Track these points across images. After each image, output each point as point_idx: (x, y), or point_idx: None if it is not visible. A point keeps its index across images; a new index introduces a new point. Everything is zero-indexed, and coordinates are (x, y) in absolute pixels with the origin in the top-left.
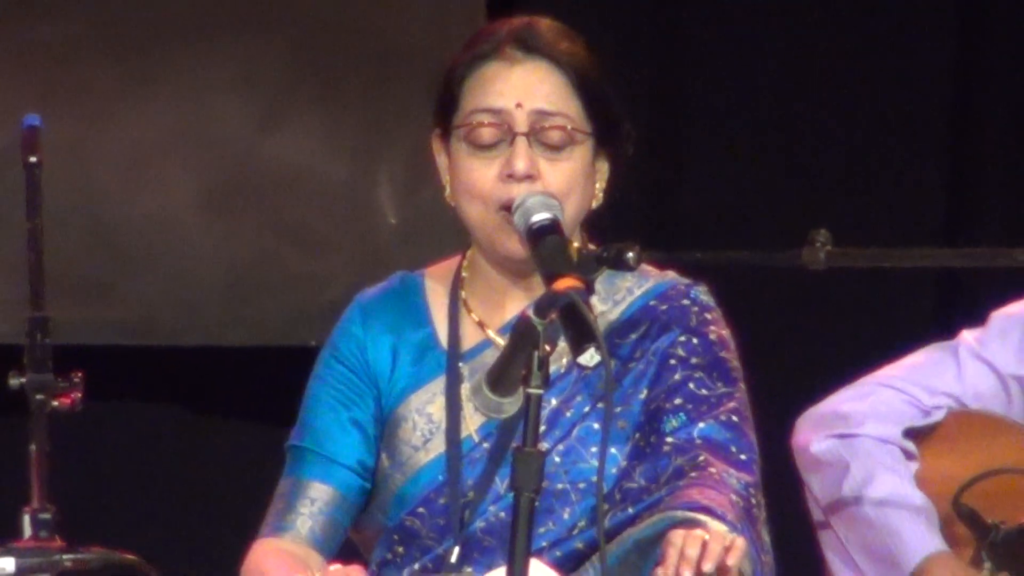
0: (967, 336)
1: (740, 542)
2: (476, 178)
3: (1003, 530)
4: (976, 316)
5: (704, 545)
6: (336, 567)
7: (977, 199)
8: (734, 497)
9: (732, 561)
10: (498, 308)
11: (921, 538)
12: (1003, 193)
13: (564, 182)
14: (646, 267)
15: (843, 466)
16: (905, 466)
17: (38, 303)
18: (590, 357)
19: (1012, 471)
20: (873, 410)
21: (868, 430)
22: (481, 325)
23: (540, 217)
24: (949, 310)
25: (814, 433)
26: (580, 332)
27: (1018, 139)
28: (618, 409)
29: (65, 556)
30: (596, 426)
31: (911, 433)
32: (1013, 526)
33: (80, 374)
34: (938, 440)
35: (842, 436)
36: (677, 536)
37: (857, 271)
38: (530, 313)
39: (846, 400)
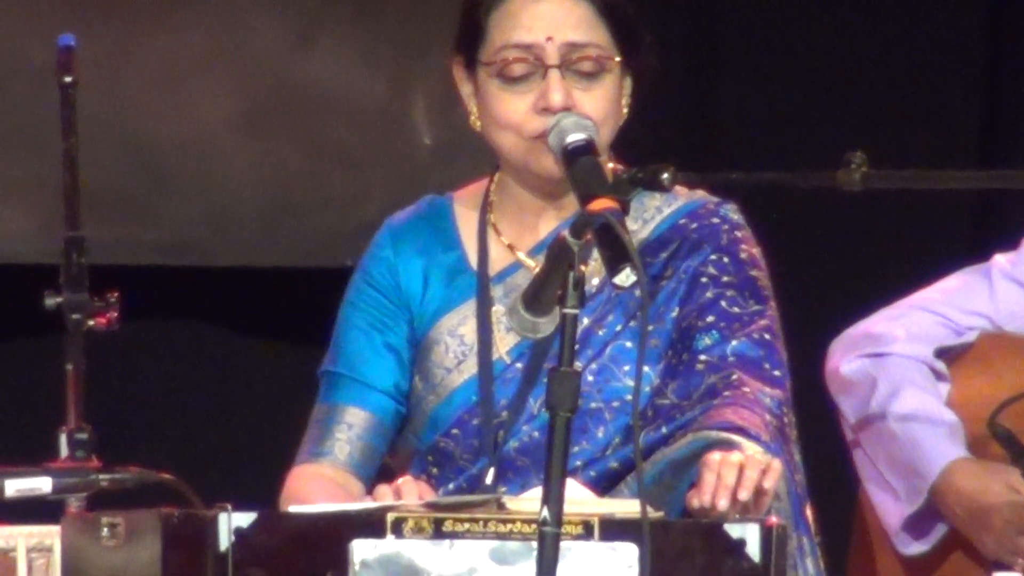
0: (1000, 259)
1: (776, 464)
2: (509, 110)
3: None
4: (1011, 238)
5: (741, 470)
6: (406, 478)
7: (1013, 120)
8: (768, 416)
9: (769, 484)
10: (529, 229)
11: (943, 447)
12: None
13: (600, 109)
14: (677, 187)
15: (871, 383)
16: (933, 384)
17: (74, 223)
18: (625, 277)
19: None
20: (905, 331)
21: (898, 349)
22: (511, 247)
23: (575, 138)
24: (984, 232)
25: (845, 355)
26: (616, 252)
27: None
28: (650, 327)
29: (101, 476)
30: (629, 344)
31: (943, 354)
32: None
33: (116, 294)
34: (971, 361)
35: (872, 356)
36: (713, 461)
37: (892, 193)
38: (566, 234)
39: (878, 322)
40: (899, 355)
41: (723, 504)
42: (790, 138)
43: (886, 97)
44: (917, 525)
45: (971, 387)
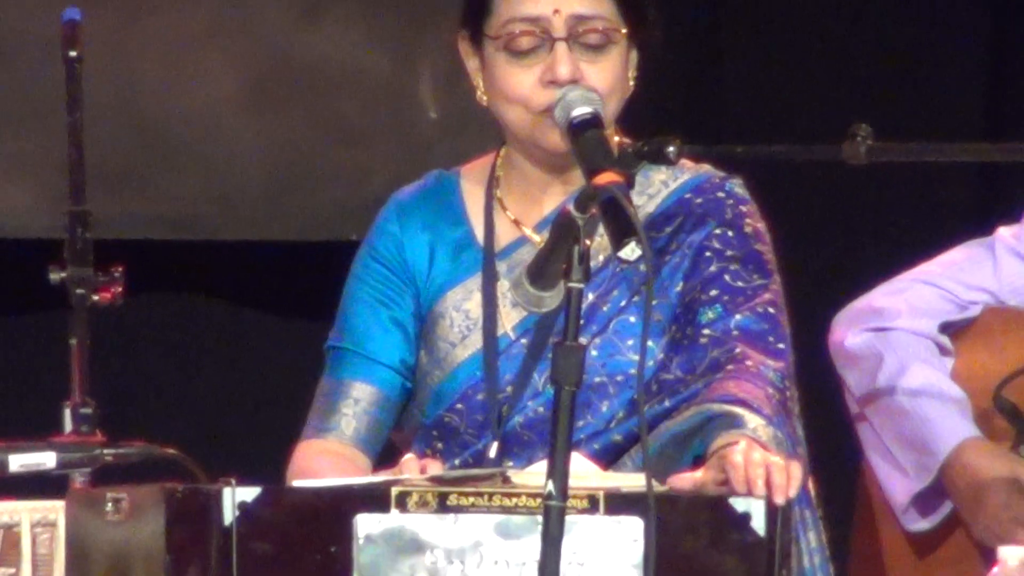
0: (1003, 232)
1: (796, 472)
2: (516, 83)
3: None
4: (1016, 211)
5: (768, 473)
6: (409, 456)
7: (1018, 93)
8: (770, 389)
9: (793, 492)
10: (535, 204)
11: (954, 425)
12: None
13: (607, 81)
14: (682, 161)
15: (878, 358)
16: (939, 359)
17: (78, 197)
18: (631, 251)
19: None
20: (909, 305)
21: (903, 323)
22: (517, 223)
23: (581, 111)
24: (990, 205)
25: (849, 328)
26: (621, 226)
27: None
28: (654, 302)
29: (106, 451)
30: (632, 319)
31: (947, 329)
32: None
33: (121, 268)
34: (975, 335)
35: (877, 330)
36: (736, 460)
37: (898, 166)
38: (571, 207)
39: (882, 295)
40: (904, 330)
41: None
42: (795, 111)
43: (891, 70)
44: (925, 502)
45: (975, 361)
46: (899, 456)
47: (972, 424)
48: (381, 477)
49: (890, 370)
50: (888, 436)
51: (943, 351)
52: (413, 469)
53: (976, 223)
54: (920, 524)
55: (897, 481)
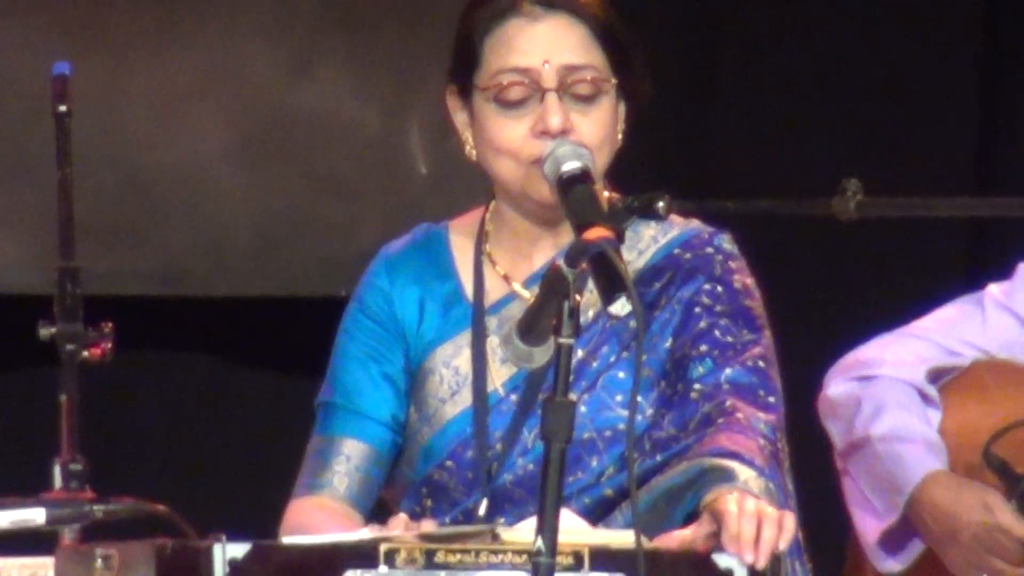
0: (993, 288)
1: (789, 523)
2: (506, 136)
3: None
4: (1006, 265)
5: (759, 525)
6: (401, 516)
7: (1007, 148)
8: (761, 441)
9: (784, 545)
10: (524, 259)
11: (920, 461)
12: None
13: (597, 133)
14: (671, 216)
15: (856, 404)
16: (919, 404)
17: (68, 253)
18: (621, 306)
19: None
20: (895, 356)
21: (886, 371)
22: (506, 278)
23: (571, 166)
24: (979, 260)
25: (834, 380)
26: (611, 281)
27: None
28: (643, 357)
29: (95, 507)
30: (621, 375)
31: (937, 377)
32: None
33: (110, 324)
34: (964, 389)
35: (860, 378)
36: (731, 514)
37: (888, 221)
38: (560, 263)
39: (869, 348)
40: (887, 377)
41: (749, 559)
42: (785, 166)
43: (882, 124)
44: (893, 540)
45: (965, 415)
46: (870, 497)
47: (940, 461)
48: (369, 535)
49: (866, 414)
50: (862, 480)
51: (928, 401)
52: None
53: (967, 279)
54: (889, 564)
55: (868, 522)
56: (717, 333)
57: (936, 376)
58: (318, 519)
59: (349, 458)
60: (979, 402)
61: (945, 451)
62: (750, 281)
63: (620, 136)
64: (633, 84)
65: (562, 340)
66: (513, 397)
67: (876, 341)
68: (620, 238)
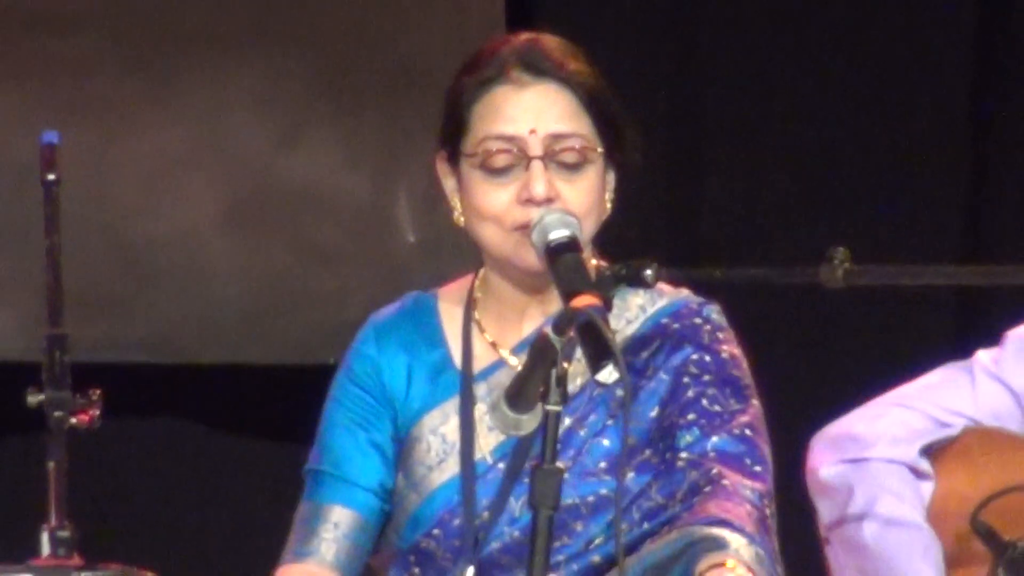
0: (982, 356)
1: None
2: (492, 202)
3: (1020, 547)
4: (995, 334)
5: None
6: None
7: (995, 216)
8: (749, 507)
9: None
10: (513, 327)
11: (912, 563)
12: (1022, 210)
13: (583, 201)
14: (659, 285)
15: (848, 491)
16: (913, 489)
17: (56, 320)
18: (608, 374)
19: None
20: (886, 431)
21: (879, 452)
22: (494, 345)
23: (558, 235)
24: (968, 328)
25: (825, 456)
26: (598, 349)
27: None
28: (631, 424)
29: (83, 574)
30: (607, 443)
31: (929, 450)
32: None
33: (98, 392)
34: (953, 457)
35: (852, 461)
36: None
37: (875, 289)
38: (548, 330)
39: (859, 421)
40: (879, 459)
41: None
42: (773, 234)
43: (869, 192)
44: None
45: (954, 483)
46: None
47: (934, 563)
48: None
49: (859, 503)
50: (851, 568)
51: (921, 475)
52: None
53: (955, 347)
54: None
55: None
56: (704, 402)
57: (928, 449)
58: None
59: (337, 525)
60: (967, 470)
61: (937, 545)
62: (738, 351)
63: (609, 204)
64: (622, 153)
65: (550, 407)
66: (501, 465)
67: (864, 411)
68: (608, 306)
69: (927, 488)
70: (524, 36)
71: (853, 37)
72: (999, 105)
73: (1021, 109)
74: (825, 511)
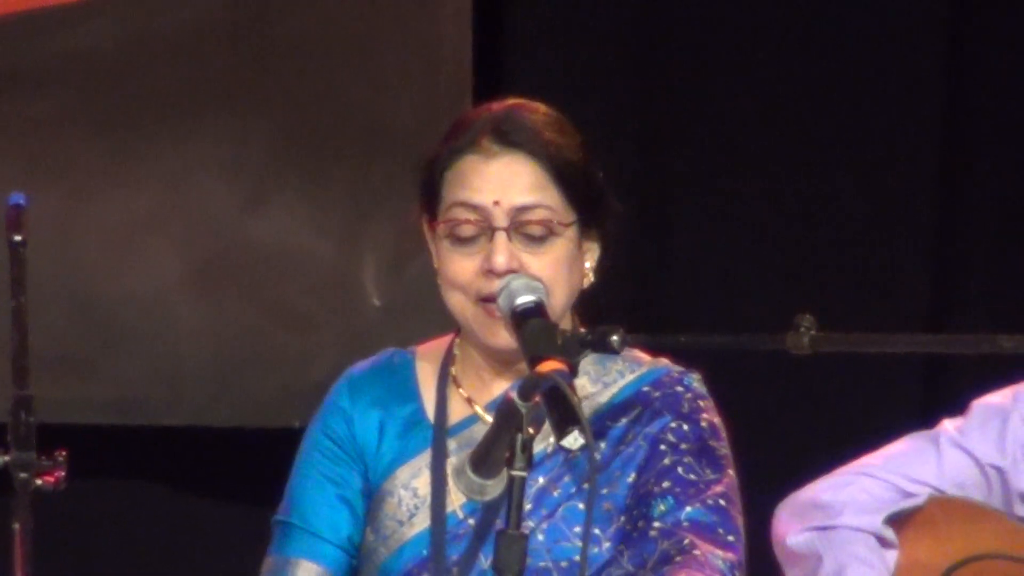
0: (948, 426)
1: None
2: (457, 271)
3: None
4: (962, 402)
5: None
6: None
7: (961, 285)
8: None
9: None
10: (489, 385)
11: None
12: (988, 279)
13: (548, 272)
14: (639, 353)
15: (817, 559)
16: (880, 556)
17: (22, 381)
18: (574, 440)
19: (1003, 556)
20: (852, 499)
21: (845, 520)
22: (469, 401)
23: (524, 300)
24: (934, 396)
25: (791, 525)
26: (564, 415)
27: (1002, 224)
28: (604, 490)
29: None
30: (581, 506)
31: (893, 519)
32: None
33: (64, 453)
34: (918, 526)
35: (819, 528)
36: None
37: (842, 356)
38: (513, 395)
39: (824, 490)
40: (846, 527)
41: None
42: (739, 301)
43: (836, 260)
44: None
45: (918, 552)
46: None
47: None
48: None
49: (828, 571)
50: None
51: (885, 544)
52: None
53: (922, 414)
54: None
55: None
56: (680, 470)
57: (893, 518)
58: None
59: None
60: (932, 540)
61: None
62: (717, 421)
63: (592, 276)
64: (601, 226)
65: (514, 472)
66: (471, 521)
67: (830, 480)
68: (573, 371)
69: (891, 557)
70: (506, 103)
71: (821, 98)
72: (966, 172)
73: (989, 177)
74: None
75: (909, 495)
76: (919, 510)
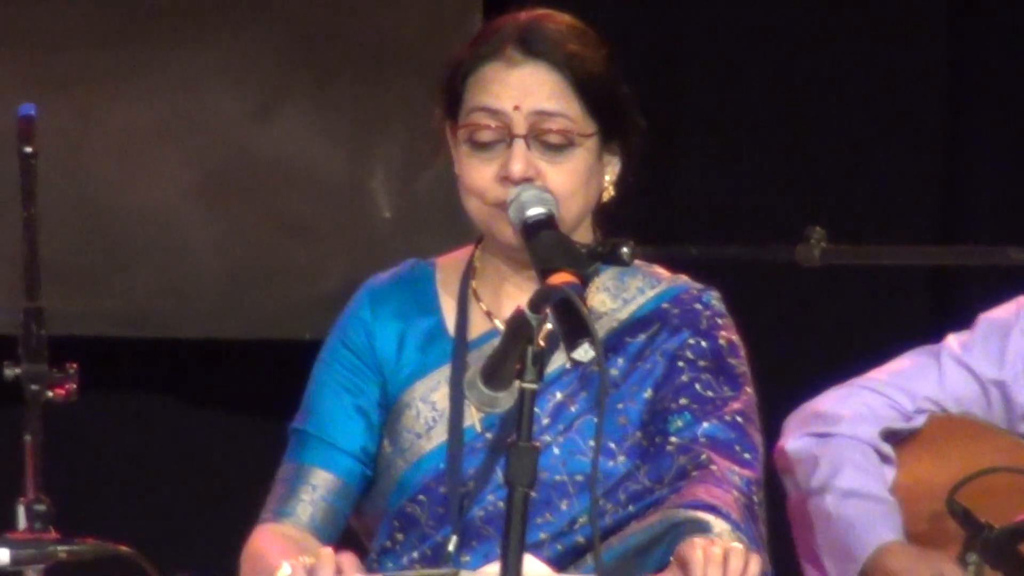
0: (952, 341)
1: (755, 566)
2: (475, 176)
3: (996, 529)
4: (970, 314)
5: (725, 563)
6: (326, 550)
7: (971, 197)
8: (736, 494)
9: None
10: (507, 298)
11: (876, 530)
12: (997, 191)
13: (566, 183)
14: (659, 270)
15: (813, 462)
16: (876, 464)
17: (33, 294)
18: (584, 352)
19: (1008, 469)
20: (852, 411)
21: (844, 429)
22: (489, 315)
23: (535, 212)
24: (943, 308)
25: (792, 432)
26: (574, 327)
27: (1012, 137)
28: (620, 405)
29: (60, 547)
30: (597, 420)
31: (892, 438)
32: (1007, 525)
33: (75, 365)
34: (920, 444)
35: (817, 435)
36: (696, 560)
37: (851, 268)
38: (524, 307)
39: (826, 400)
40: (843, 435)
41: None
42: (750, 213)
43: (846, 173)
44: None
45: (919, 470)
46: (824, 560)
47: (895, 529)
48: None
49: (823, 473)
50: (815, 540)
51: (884, 458)
52: (328, 565)
53: (930, 327)
54: None
55: None
56: (698, 387)
57: (890, 435)
58: (276, 545)
59: (316, 488)
60: (933, 457)
61: (899, 514)
62: (735, 338)
63: (608, 186)
64: (623, 139)
65: (525, 385)
66: (489, 435)
67: (833, 392)
68: (584, 283)
69: (889, 473)
70: (534, 13)
71: (829, 17)
72: (974, 85)
73: (996, 90)
74: (791, 486)
75: (909, 415)
76: (920, 431)
